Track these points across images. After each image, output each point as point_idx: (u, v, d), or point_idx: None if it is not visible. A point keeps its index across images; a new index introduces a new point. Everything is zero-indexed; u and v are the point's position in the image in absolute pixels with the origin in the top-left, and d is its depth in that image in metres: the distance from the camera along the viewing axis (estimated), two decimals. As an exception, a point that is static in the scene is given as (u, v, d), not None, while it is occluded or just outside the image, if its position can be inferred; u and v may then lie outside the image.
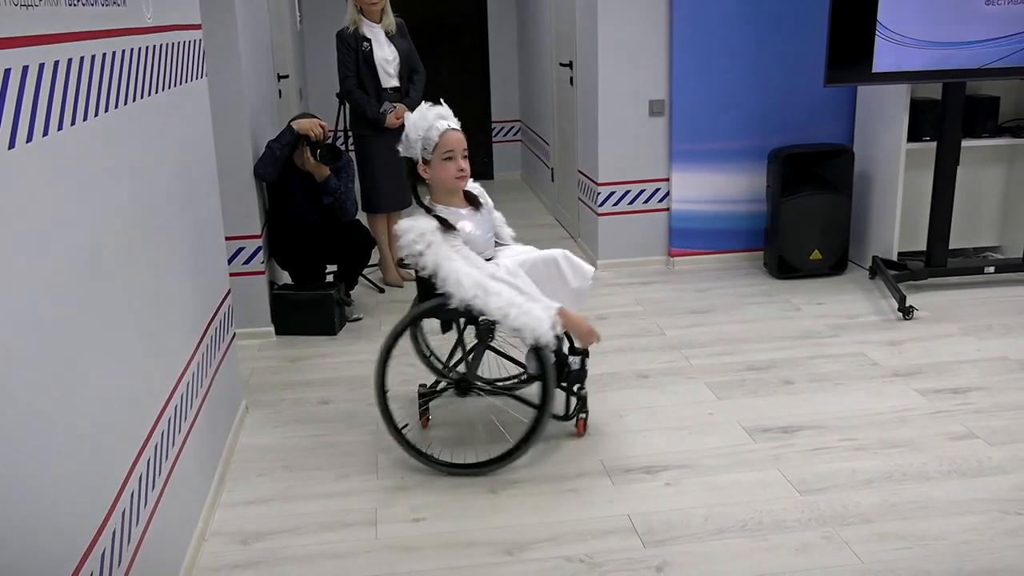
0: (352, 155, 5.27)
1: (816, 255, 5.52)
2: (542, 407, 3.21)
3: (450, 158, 3.19)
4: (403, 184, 5.36)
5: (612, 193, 5.78)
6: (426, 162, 3.22)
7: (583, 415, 3.55)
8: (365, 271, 5.36)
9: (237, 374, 3.88)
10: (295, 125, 4.72)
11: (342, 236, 4.94)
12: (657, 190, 5.79)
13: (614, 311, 5.02)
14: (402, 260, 3.25)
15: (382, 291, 5.57)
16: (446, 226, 3.18)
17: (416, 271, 3.19)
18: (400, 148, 3.26)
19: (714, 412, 3.78)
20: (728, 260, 5.86)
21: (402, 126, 5.04)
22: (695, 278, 5.63)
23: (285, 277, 5.20)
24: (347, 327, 4.93)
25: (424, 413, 3.65)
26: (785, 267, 5.52)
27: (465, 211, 3.29)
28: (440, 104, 3.26)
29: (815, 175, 5.49)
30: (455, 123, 3.24)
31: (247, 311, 4.59)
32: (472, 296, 3.03)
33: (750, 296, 5.24)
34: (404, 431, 3.35)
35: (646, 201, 5.78)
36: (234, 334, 3.82)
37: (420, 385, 3.69)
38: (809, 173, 5.49)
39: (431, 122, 3.20)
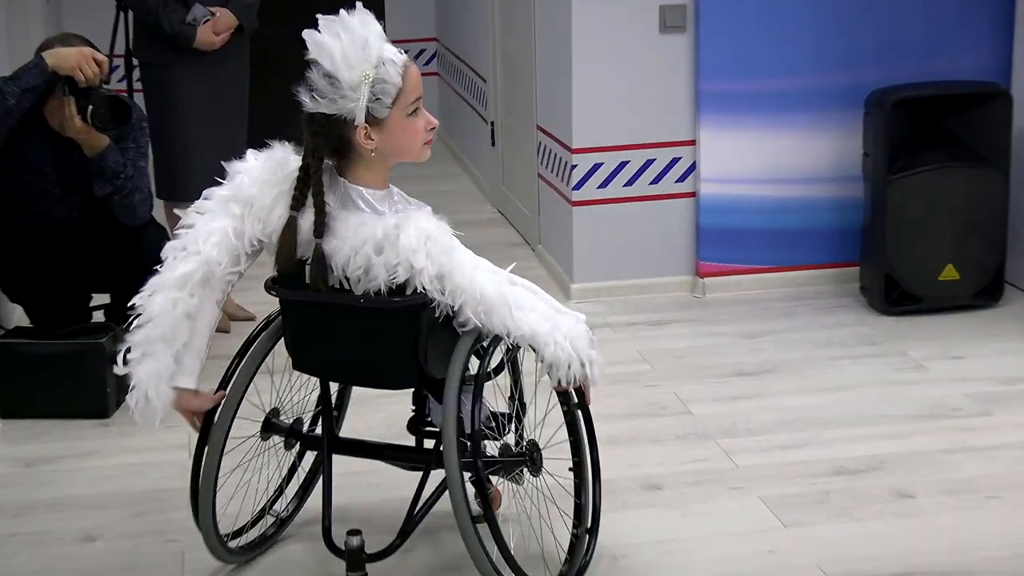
0: (141, 103, 4.18)
1: (950, 273, 4.48)
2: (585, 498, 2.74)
3: (418, 109, 2.62)
4: (225, 152, 4.21)
5: (596, 166, 4.57)
6: (375, 121, 2.43)
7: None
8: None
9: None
10: (50, 59, 3.80)
11: (118, 243, 3.90)
12: (675, 161, 4.57)
13: (605, 372, 4.00)
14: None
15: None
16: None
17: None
18: (308, 98, 2.42)
19: (777, 550, 3.17)
20: (798, 281, 4.69)
21: (225, 49, 4.45)
22: (740, 314, 4.55)
23: (18, 317, 4.22)
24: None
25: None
26: (897, 293, 4.47)
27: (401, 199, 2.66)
28: (364, 12, 2.50)
29: (946, 136, 4.45)
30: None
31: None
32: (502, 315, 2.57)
33: (837, 345, 4.30)
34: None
35: (655, 181, 4.57)
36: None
37: None
38: (936, 132, 4.44)
39: (378, 50, 2.41)
